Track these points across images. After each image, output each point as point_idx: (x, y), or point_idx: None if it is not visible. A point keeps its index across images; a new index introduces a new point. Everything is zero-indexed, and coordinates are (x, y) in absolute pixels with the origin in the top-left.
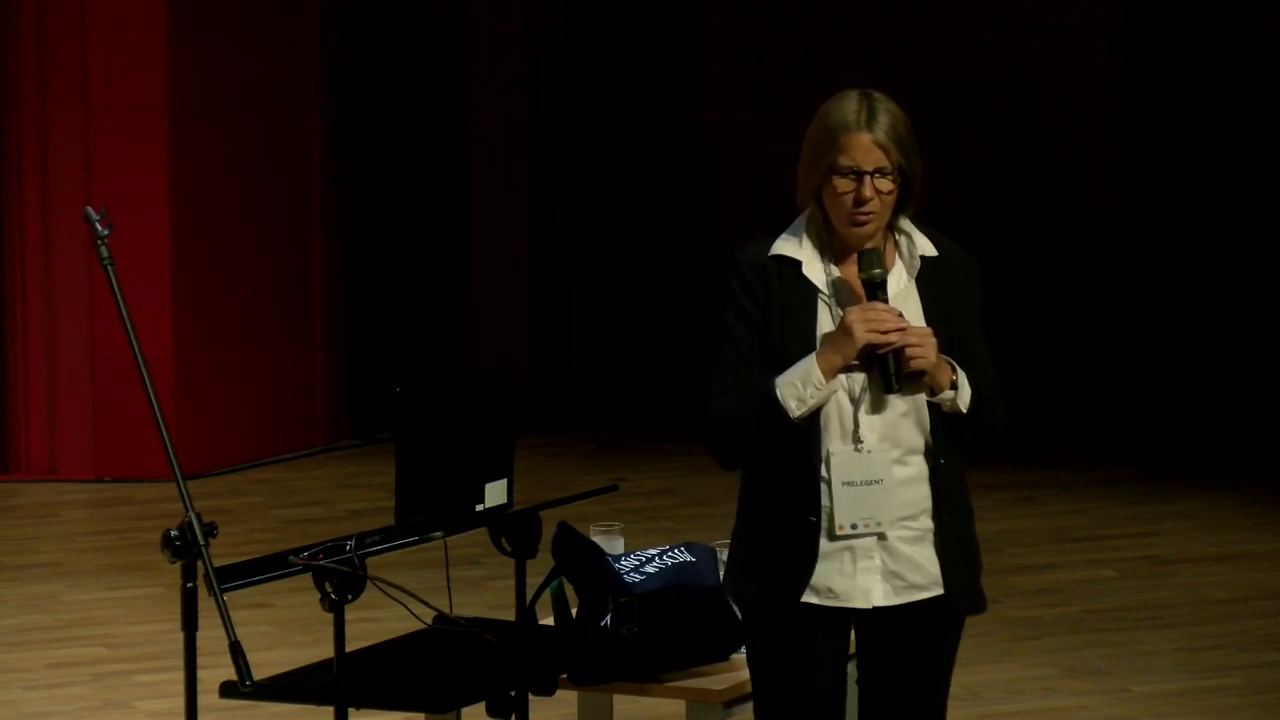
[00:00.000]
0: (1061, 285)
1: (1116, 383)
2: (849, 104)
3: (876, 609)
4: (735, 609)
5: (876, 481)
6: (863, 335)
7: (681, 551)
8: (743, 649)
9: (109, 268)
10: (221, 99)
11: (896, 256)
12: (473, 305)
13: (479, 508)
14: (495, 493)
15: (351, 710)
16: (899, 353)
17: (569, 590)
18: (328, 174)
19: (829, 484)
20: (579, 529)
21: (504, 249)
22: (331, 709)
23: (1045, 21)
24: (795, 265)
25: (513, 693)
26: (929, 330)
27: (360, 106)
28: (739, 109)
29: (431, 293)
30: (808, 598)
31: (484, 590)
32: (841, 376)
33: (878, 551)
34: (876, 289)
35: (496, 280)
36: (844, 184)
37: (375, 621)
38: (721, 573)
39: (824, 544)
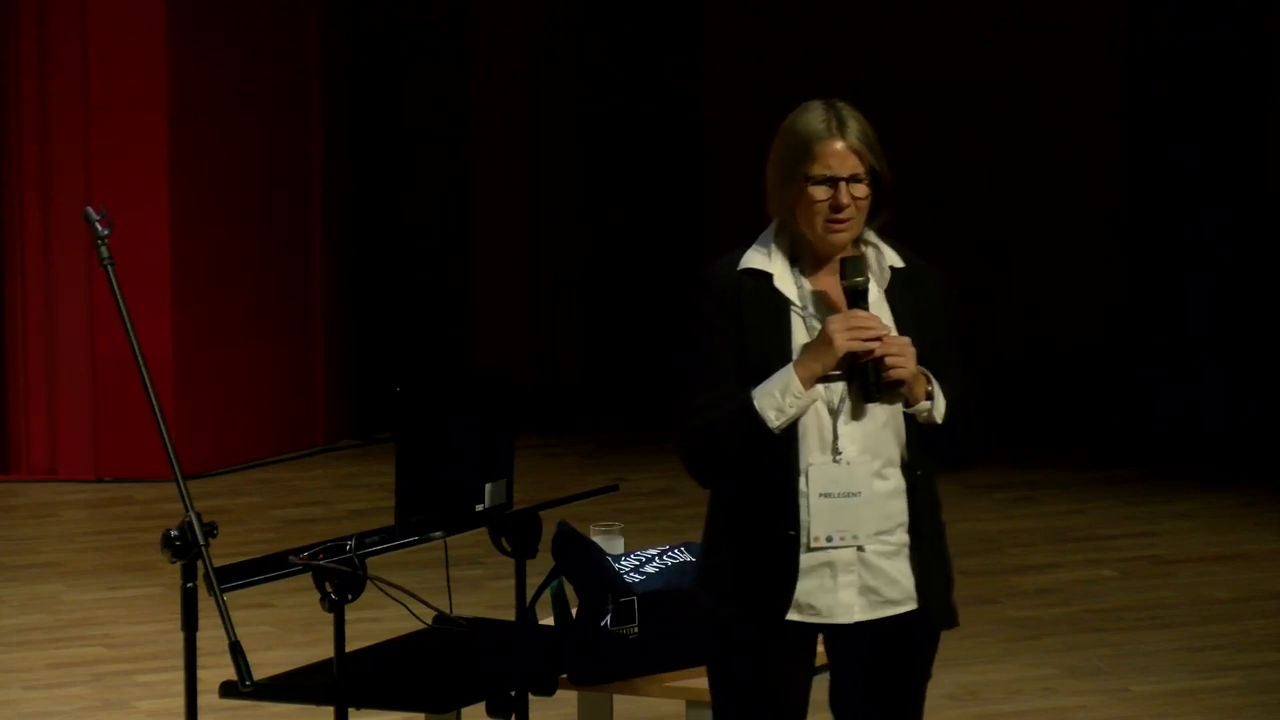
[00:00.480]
0: (1061, 285)
1: (1116, 383)
2: (816, 114)
3: (854, 624)
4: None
5: (855, 494)
6: (843, 343)
7: (681, 551)
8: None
9: (109, 268)
10: (221, 99)
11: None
12: (473, 305)
13: (479, 508)
14: (495, 493)
15: (351, 710)
16: (879, 362)
17: (569, 590)
18: (328, 174)
19: (807, 497)
20: (579, 529)
21: (504, 249)
22: (331, 709)
23: (1045, 21)
24: (766, 278)
25: (513, 693)
26: (908, 340)
27: (360, 106)
28: (739, 109)
29: (431, 293)
30: (790, 615)
31: (484, 590)
32: (820, 387)
33: (856, 566)
34: (859, 297)
35: (496, 280)
36: (820, 192)
37: (375, 621)
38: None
39: (804, 559)
